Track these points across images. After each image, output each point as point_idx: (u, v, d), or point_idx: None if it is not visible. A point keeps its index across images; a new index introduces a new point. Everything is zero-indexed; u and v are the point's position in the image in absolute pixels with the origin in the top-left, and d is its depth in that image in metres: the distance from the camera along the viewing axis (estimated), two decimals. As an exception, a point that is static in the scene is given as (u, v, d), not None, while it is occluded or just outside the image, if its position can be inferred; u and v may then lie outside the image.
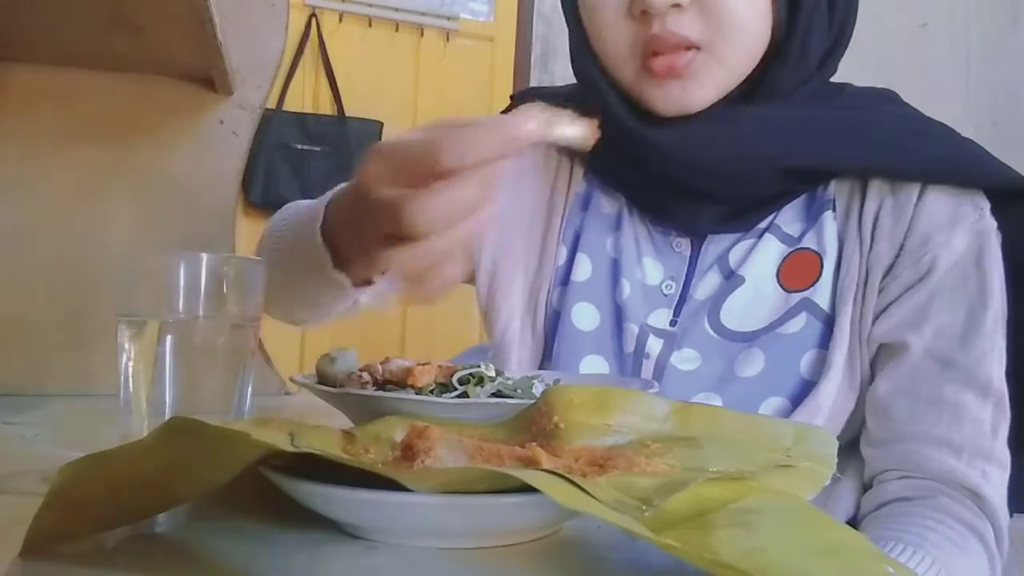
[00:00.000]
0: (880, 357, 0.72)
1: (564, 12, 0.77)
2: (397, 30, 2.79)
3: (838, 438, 0.50)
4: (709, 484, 0.40)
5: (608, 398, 0.52)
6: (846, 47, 0.76)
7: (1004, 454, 0.68)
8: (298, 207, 0.77)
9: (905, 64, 2.18)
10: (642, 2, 0.67)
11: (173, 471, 0.40)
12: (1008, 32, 1.98)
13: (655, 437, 0.49)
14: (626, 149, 0.75)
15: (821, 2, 0.71)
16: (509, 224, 0.84)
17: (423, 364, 0.59)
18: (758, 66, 0.72)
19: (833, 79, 0.78)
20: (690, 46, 0.69)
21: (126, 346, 0.47)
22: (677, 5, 0.67)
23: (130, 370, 0.47)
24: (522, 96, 0.90)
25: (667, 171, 0.75)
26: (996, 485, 0.68)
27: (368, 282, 0.61)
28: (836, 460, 0.47)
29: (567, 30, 0.78)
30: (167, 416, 0.45)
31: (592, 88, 0.75)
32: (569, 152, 0.84)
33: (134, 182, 1.16)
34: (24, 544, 0.39)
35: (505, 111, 0.87)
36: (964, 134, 0.75)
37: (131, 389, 0.47)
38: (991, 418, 0.68)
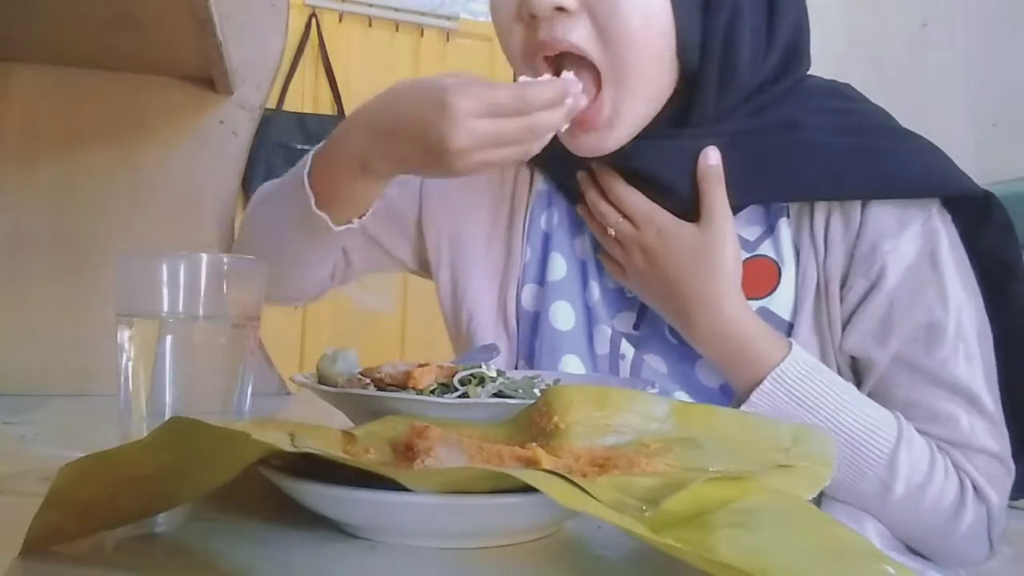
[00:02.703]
0: (855, 367, 0.73)
1: None
2: (397, 30, 2.79)
3: None
4: (709, 484, 0.40)
5: (608, 398, 0.52)
6: (804, 62, 0.74)
7: (984, 442, 0.69)
8: (276, 180, 0.84)
9: (905, 64, 2.18)
10: (528, 4, 0.66)
11: (173, 471, 0.40)
12: (1008, 32, 1.97)
13: (655, 437, 0.49)
14: (569, 163, 0.75)
15: (738, 29, 0.68)
16: (466, 228, 0.84)
17: (422, 365, 0.59)
18: (682, 91, 0.71)
19: (825, 73, 0.77)
20: (580, 56, 0.67)
21: (126, 346, 0.47)
22: (561, 8, 0.65)
23: (130, 370, 0.47)
24: None
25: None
26: (980, 469, 0.69)
27: (348, 223, 0.75)
28: (835, 460, 0.47)
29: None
30: (167, 416, 0.45)
31: None
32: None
33: (134, 182, 1.16)
34: (24, 544, 0.39)
35: None
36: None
37: (131, 389, 0.47)
38: (964, 414, 0.69)
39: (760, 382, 0.67)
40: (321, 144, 0.76)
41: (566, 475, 0.37)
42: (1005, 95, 1.96)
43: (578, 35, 0.66)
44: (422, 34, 2.81)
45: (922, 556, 0.71)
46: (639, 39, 0.66)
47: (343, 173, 0.73)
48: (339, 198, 0.74)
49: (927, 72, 2.16)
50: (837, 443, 0.65)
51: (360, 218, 0.76)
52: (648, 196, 0.72)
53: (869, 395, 0.71)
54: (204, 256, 0.48)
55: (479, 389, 0.58)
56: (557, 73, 0.68)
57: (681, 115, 0.72)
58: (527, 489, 0.37)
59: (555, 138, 0.71)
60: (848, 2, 2.25)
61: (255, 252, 0.80)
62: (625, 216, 0.73)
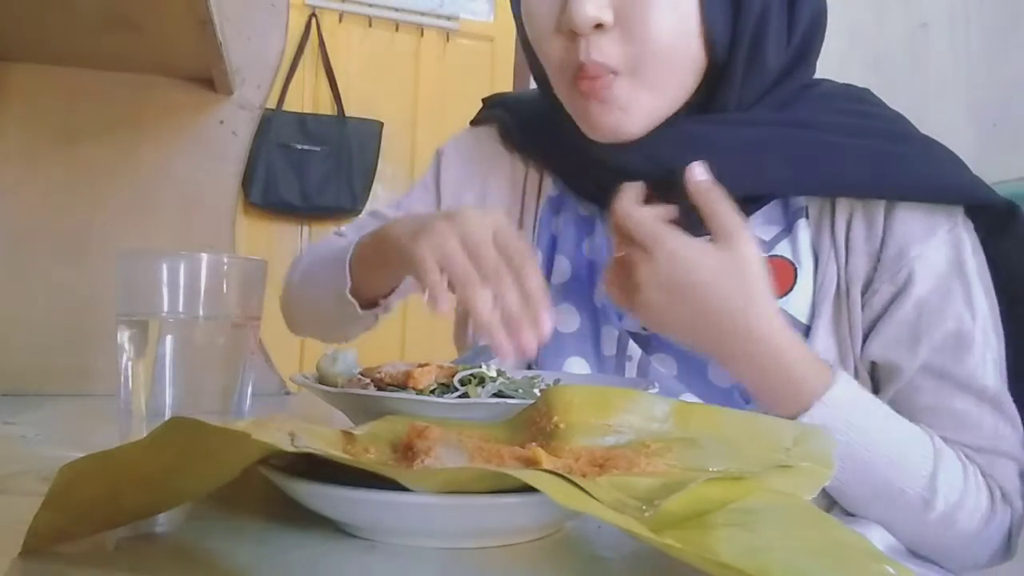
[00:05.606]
0: (879, 373, 0.72)
1: (515, 20, 0.76)
2: (397, 30, 2.79)
3: None
4: (709, 484, 0.40)
5: (608, 398, 0.52)
6: (815, 56, 0.74)
7: (1008, 447, 0.69)
8: (334, 242, 0.92)
9: (905, 64, 2.18)
10: (568, 21, 0.66)
11: (173, 471, 0.40)
12: (1008, 32, 1.98)
13: (655, 437, 0.49)
14: (583, 160, 0.75)
15: (766, 21, 0.68)
16: None
17: (422, 365, 0.59)
18: (707, 79, 0.71)
19: (825, 73, 0.77)
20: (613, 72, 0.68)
21: (126, 346, 0.47)
22: (600, 25, 0.66)
23: (130, 370, 0.47)
24: (491, 102, 0.93)
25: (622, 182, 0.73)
26: (1004, 472, 0.68)
27: (374, 304, 0.82)
28: (836, 460, 0.47)
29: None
30: (167, 416, 0.45)
31: (548, 97, 0.76)
32: (537, 160, 0.86)
33: (134, 182, 1.16)
34: (24, 544, 0.39)
35: (476, 117, 0.92)
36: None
37: (131, 389, 0.47)
38: (991, 419, 0.69)
39: (807, 409, 0.64)
40: (368, 234, 0.79)
41: (566, 475, 0.37)
42: (1005, 95, 1.96)
43: (614, 52, 0.67)
44: (422, 34, 2.81)
45: (927, 560, 0.71)
46: (670, 48, 0.67)
47: (373, 261, 0.77)
48: (369, 282, 0.79)
49: (927, 72, 2.16)
50: (880, 465, 0.65)
51: (385, 298, 0.82)
52: (664, 198, 0.69)
53: (890, 402, 0.70)
54: (204, 256, 0.48)
55: (479, 389, 0.58)
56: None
57: (704, 103, 0.72)
58: (527, 489, 0.37)
59: (566, 132, 0.73)
60: (848, 2, 2.25)
61: (302, 317, 0.95)
62: (635, 244, 0.67)
